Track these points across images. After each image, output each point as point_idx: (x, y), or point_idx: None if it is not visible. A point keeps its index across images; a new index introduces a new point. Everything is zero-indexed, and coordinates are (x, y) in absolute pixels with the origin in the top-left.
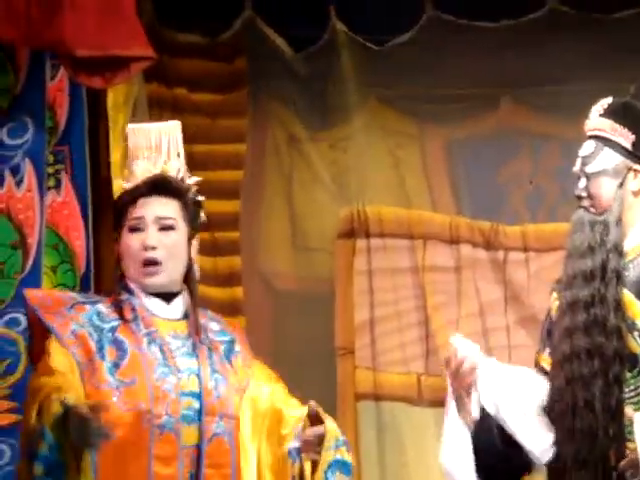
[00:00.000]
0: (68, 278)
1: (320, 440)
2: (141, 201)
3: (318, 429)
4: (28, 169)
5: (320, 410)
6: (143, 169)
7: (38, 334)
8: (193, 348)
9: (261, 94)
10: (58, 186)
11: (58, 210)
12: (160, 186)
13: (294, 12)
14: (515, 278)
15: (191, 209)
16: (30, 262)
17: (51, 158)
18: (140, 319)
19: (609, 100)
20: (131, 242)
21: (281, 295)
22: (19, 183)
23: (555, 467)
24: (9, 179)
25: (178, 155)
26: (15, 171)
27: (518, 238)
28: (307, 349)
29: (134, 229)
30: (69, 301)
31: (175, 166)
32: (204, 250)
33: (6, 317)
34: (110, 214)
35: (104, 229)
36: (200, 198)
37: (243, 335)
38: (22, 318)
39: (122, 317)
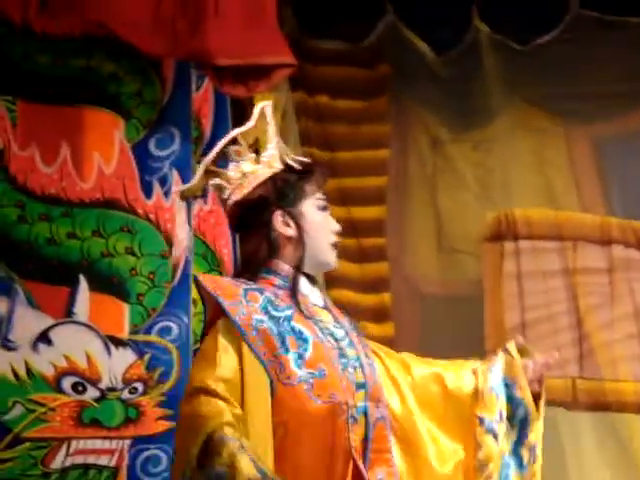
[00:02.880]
0: None
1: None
2: (318, 180)
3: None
4: (175, 180)
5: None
6: (269, 157)
7: (215, 317)
8: (351, 337)
9: (403, 98)
10: (204, 195)
11: (205, 219)
12: (325, 172)
13: (436, 15)
14: None
15: None
16: (180, 271)
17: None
18: (304, 307)
19: None
20: (324, 220)
21: (428, 299)
22: (167, 193)
23: None
24: (157, 190)
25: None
26: (163, 182)
27: None
28: (455, 353)
29: (323, 208)
30: (238, 286)
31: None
32: (350, 257)
33: (158, 326)
34: None
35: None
36: None
37: None
38: (173, 326)
39: (295, 304)
